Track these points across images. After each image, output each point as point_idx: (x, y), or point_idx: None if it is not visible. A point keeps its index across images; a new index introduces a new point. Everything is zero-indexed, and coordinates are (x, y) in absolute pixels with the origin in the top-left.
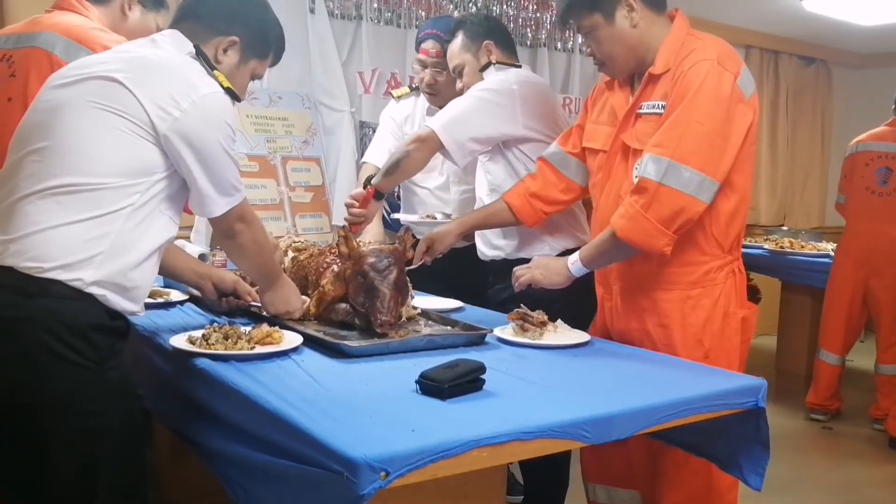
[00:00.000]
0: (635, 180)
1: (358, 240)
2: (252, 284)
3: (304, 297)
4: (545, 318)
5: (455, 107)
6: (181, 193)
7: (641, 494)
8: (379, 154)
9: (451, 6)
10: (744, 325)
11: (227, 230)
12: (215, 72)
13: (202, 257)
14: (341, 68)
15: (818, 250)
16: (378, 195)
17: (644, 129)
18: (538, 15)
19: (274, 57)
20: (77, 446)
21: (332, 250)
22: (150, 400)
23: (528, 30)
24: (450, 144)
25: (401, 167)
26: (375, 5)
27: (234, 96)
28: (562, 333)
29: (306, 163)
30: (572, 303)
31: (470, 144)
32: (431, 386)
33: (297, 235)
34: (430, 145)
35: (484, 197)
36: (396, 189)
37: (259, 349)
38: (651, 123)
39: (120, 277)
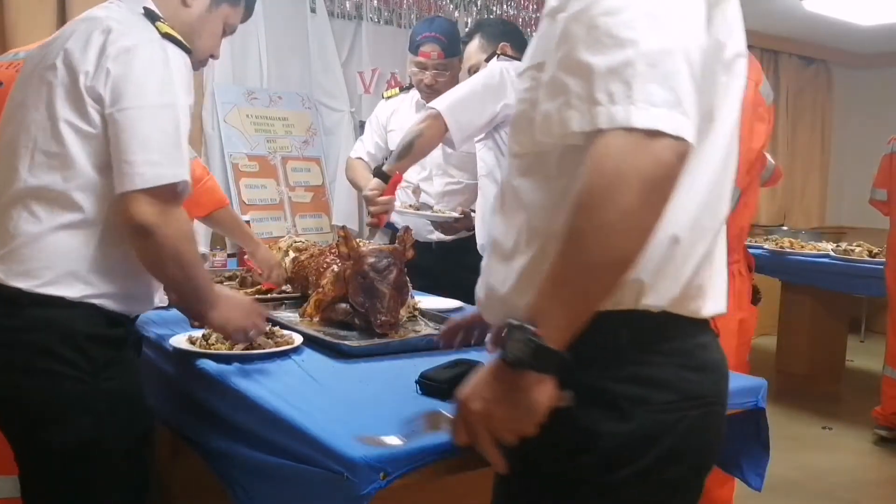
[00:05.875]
0: None
1: (357, 240)
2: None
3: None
4: None
5: (458, 90)
6: None
7: None
8: (362, 149)
9: (452, 6)
10: (741, 328)
11: (137, 221)
12: (158, 23)
13: (202, 258)
14: (341, 68)
15: (818, 250)
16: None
17: None
18: (538, 15)
19: (246, 4)
20: (71, 460)
21: (332, 250)
22: (150, 400)
23: (529, 29)
24: (452, 125)
25: (415, 147)
26: (375, 5)
27: (184, 47)
28: None
29: (306, 163)
30: None
31: (469, 128)
32: (431, 386)
33: (297, 235)
34: (439, 124)
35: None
36: None
37: (259, 349)
38: None
39: (115, 281)
